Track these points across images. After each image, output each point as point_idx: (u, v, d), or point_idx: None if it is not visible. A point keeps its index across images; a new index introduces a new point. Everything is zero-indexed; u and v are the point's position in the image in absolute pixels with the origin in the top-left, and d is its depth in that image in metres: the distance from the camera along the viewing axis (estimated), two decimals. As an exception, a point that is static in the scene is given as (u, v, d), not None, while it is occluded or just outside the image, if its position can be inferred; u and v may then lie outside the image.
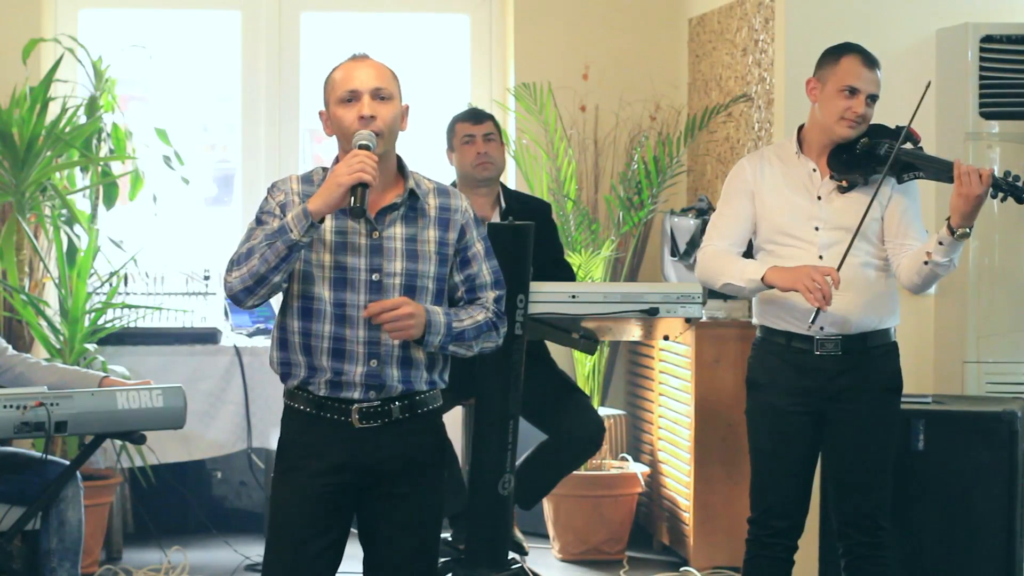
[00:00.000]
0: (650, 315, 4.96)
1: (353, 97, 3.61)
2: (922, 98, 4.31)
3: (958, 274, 5.52)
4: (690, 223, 6.28)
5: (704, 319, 5.28)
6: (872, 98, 4.39)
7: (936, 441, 4.96)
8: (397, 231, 3.64)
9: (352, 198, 3.49)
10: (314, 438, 3.64)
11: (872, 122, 4.44)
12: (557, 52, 7.04)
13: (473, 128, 5.43)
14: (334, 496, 3.63)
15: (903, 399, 5.07)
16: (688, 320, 5.08)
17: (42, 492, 4.74)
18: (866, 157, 4.39)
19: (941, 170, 4.30)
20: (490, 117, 5.54)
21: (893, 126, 4.42)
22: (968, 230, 4.21)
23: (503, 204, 5.47)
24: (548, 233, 5.48)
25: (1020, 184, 4.20)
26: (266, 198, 3.67)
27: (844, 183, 4.40)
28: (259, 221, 3.64)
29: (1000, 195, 4.22)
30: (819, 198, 4.42)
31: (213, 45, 7.25)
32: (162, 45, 7.03)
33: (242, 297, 3.57)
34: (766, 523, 4.48)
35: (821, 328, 4.38)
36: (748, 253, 4.56)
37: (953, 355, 5.55)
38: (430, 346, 3.63)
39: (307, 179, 3.68)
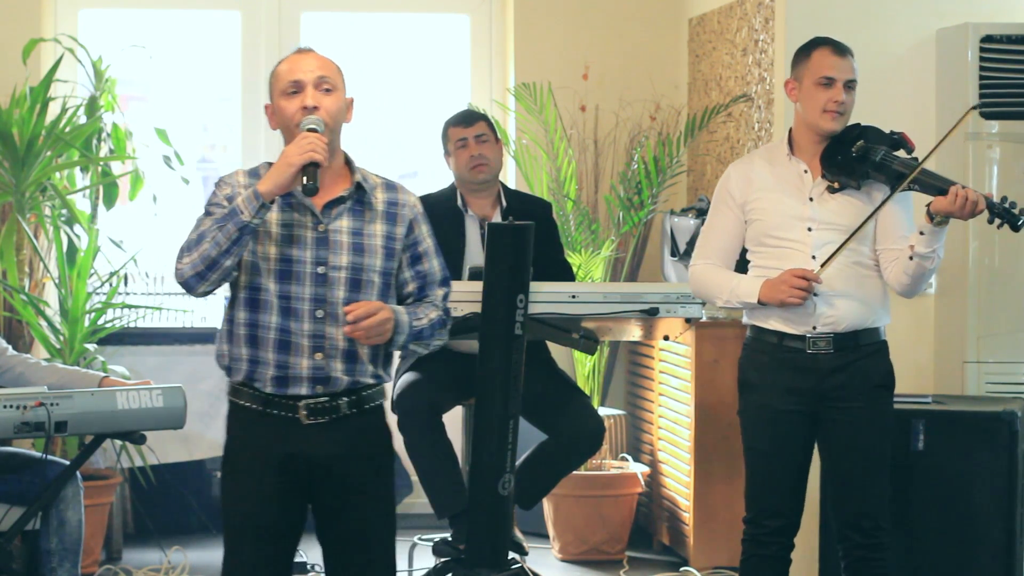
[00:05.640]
0: (650, 315, 4.96)
1: (296, 88, 3.64)
2: (961, 119, 4.33)
3: (958, 274, 5.53)
4: (690, 223, 6.28)
5: (704, 319, 5.28)
6: (849, 84, 4.41)
7: (936, 441, 4.96)
8: (343, 224, 3.65)
9: (304, 177, 3.53)
10: (261, 436, 3.63)
11: (869, 123, 4.45)
12: (557, 52, 7.04)
13: (465, 131, 5.42)
14: (286, 495, 3.63)
15: (903, 399, 5.09)
16: (688, 320, 5.08)
17: (42, 492, 4.74)
18: (861, 161, 4.38)
19: (938, 188, 4.29)
20: (482, 117, 5.53)
21: (888, 131, 4.43)
22: (947, 218, 4.24)
23: (504, 203, 5.46)
24: (548, 232, 5.48)
25: (1016, 212, 4.22)
26: (214, 191, 3.69)
27: (836, 184, 4.41)
28: (207, 213, 3.65)
29: (997, 221, 4.24)
30: (811, 199, 4.43)
31: (213, 45, 7.25)
32: (162, 45, 7.03)
33: (193, 283, 3.59)
34: (762, 523, 4.48)
35: (814, 328, 4.39)
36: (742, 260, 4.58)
37: (953, 355, 5.55)
38: (395, 346, 3.66)
39: (254, 173, 3.69)
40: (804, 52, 4.46)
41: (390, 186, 3.75)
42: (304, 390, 3.61)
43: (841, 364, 4.40)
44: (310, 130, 3.58)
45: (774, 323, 4.43)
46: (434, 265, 3.77)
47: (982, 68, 5.49)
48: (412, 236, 3.73)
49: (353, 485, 3.66)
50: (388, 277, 3.68)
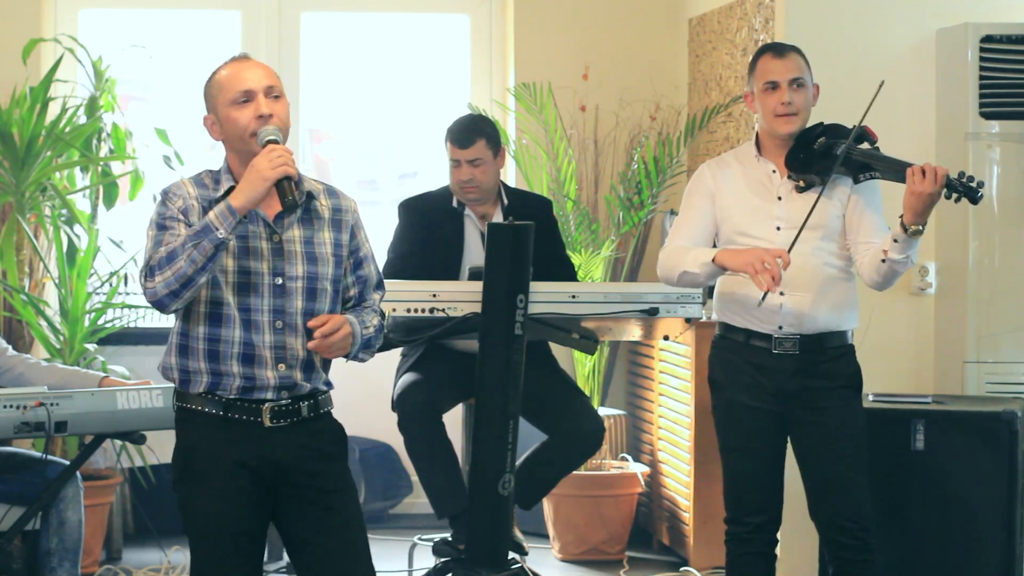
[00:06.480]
0: (650, 315, 4.96)
1: (248, 97, 3.59)
2: (875, 97, 4.28)
3: (958, 274, 5.52)
4: (690, 223, 6.27)
5: (704, 319, 5.27)
6: (796, 83, 4.41)
7: (936, 441, 4.96)
8: (296, 234, 3.64)
9: (282, 194, 3.50)
10: (222, 442, 3.61)
11: (832, 121, 4.44)
12: (557, 52, 7.04)
13: (459, 153, 5.33)
14: (251, 496, 3.61)
15: (903, 399, 5.10)
16: (688, 320, 5.08)
17: (42, 492, 4.74)
18: (822, 156, 4.38)
19: (897, 170, 4.28)
20: (480, 137, 5.33)
21: (851, 126, 4.41)
22: (921, 227, 4.22)
23: (505, 201, 5.45)
24: (549, 230, 5.47)
25: (974, 184, 4.19)
26: (163, 203, 3.60)
27: (801, 183, 4.41)
28: (162, 227, 3.57)
29: (954, 196, 4.21)
30: (779, 198, 4.43)
31: (213, 45, 7.25)
32: (162, 45, 7.04)
33: (168, 301, 3.51)
34: (743, 520, 4.48)
35: (780, 328, 4.38)
36: None
37: (953, 355, 5.55)
38: (349, 357, 3.67)
39: (199, 183, 3.65)
40: (752, 63, 4.49)
41: (331, 192, 3.74)
42: (270, 395, 3.62)
43: (806, 366, 4.40)
44: (271, 141, 3.55)
45: (742, 320, 4.43)
46: (372, 269, 3.78)
47: (982, 68, 5.48)
48: (355, 242, 3.74)
49: (321, 485, 3.65)
50: (338, 284, 3.69)
